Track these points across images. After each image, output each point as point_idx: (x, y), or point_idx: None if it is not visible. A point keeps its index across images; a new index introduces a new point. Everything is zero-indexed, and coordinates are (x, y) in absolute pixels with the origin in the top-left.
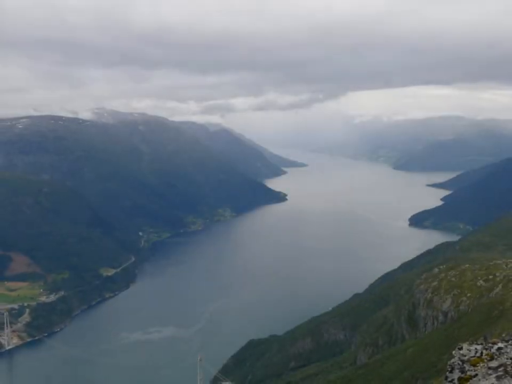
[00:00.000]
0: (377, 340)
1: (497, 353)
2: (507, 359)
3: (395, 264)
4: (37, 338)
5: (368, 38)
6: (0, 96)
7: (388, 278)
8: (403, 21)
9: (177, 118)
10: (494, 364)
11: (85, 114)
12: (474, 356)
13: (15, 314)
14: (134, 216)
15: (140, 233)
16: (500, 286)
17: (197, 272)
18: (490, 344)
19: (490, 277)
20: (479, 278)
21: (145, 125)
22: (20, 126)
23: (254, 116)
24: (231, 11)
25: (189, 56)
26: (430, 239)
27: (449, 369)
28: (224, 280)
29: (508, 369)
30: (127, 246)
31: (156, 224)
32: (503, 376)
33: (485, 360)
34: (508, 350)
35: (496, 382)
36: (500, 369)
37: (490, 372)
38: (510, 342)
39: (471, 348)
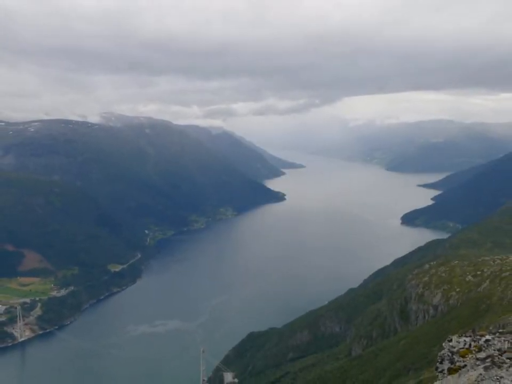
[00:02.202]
0: (371, 333)
1: (485, 345)
2: (494, 350)
3: (388, 261)
4: (48, 331)
5: (363, 45)
6: (13, 101)
7: (381, 273)
8: (396, 29)
9: (181, 122)
10: (482, 355)
11: (94, 118)
12: (463, 348)
13: (28, 308)
14: (140, 215)
15: (146, 231)
16: (488, 281)
17: (200, 269)
18: (478, 337)
19: (478, 272)
20: (467, 273)
21: (151, 128)
22: (32, 129)
23: (254, 120)
24: (231, 20)
25: (192, 63)
26: (421, 236)
27: (439, 360)
28: (226, 276)
29: (495, 360)
30: (134, 244)
31: (161, 223)
32: (490, 367)
33: (473, 352)
34: (495, 342)
35: (484, 372)
36: (487, 360)
37: (478, 362)
38: (497, 335)
39: (460, 340)
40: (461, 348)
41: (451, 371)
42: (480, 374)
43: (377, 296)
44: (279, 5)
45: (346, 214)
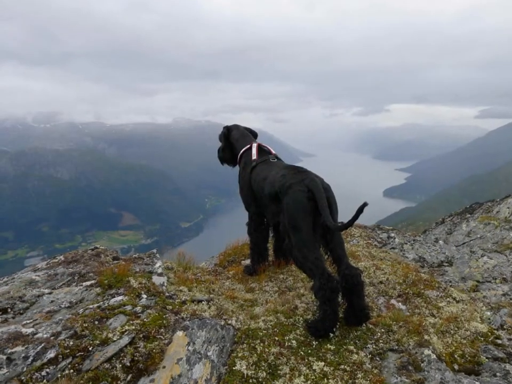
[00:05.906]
0: None
1: None
2: None
3: (372, 221)
4: None
5: (356, 59)
6: (100, 107)
7: None
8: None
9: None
10: None
11: (166, 120)
12: None
13: (125, 251)
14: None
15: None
16: None
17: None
18: None
19: None
20: None
21: (210, 128)
22: (127, 129)
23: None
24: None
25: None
26: (396, 205)
27: None
28: None
29: None
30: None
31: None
32: None
33: None
34: None
35: None
36: None
37: None
38: None
39: None
40: None
41: None
42: None
43: None
44: None
45: (338, 190)
